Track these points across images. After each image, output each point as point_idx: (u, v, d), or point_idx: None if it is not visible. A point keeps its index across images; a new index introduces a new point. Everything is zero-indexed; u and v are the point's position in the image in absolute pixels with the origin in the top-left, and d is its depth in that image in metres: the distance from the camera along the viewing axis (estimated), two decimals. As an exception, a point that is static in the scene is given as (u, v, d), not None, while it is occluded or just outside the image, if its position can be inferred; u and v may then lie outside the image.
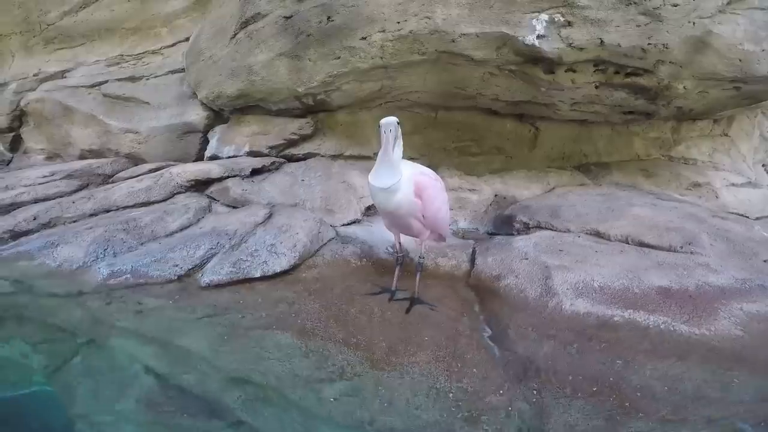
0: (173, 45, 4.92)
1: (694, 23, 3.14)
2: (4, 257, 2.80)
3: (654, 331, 2.13)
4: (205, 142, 4.41)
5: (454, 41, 3.13)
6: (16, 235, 3.01)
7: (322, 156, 3.97)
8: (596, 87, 3.48)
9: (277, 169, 3.82)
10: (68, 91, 4.98)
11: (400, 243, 2.50)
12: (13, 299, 2.43)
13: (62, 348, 2.03)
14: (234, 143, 4.06)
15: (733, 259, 2.81)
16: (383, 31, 3.16)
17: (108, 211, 3.22)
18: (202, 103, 4.37)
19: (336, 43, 3.30)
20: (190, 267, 2.53)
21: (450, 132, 4.12)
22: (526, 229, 3.38)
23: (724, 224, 3.24)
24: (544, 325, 2.23)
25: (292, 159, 3.97)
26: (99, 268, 2.54)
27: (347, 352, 1.94)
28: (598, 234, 3.15)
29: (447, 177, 3.88)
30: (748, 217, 3.96)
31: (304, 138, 3.98)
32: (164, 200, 3.35)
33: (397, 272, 2.47)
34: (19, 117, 5.31)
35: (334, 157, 3.98)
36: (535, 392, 1.76)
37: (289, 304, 2.32)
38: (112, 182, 3.92)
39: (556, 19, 3.08)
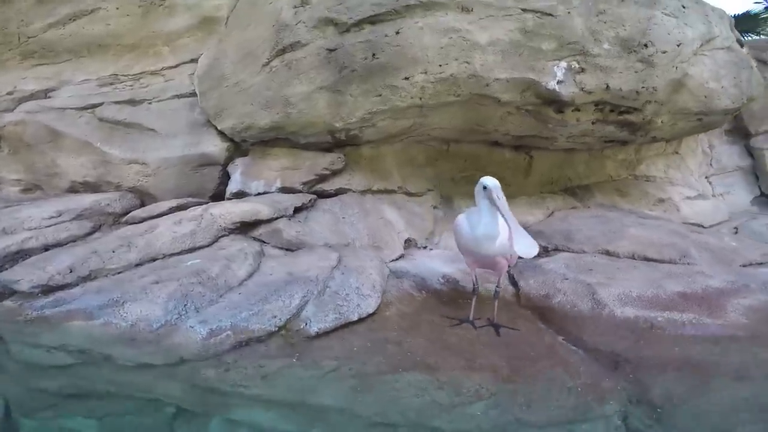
0: (176, 66, 4.56)
1: (676, 67, 3.76)
2: (45, 317, 2.39)
3: (689, 325, 2.70)
4: (225, 175, 4.16)
5: (488, 85, 3.45)
6: (49, 289, 2.63)
7: (354, 191, 3.93)
8: (593, 123, 3.98)
9: (312, 206, 3.71)
10: (55, 113, 4.43)
11: (476, 276, 2.80)
12: (89, 371, 2.17)
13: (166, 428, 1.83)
14: (263, 178, 3.88)
15: (718, 266, 3.45)
16: (425, 72, 3.36)
17: (154, 259, 2.98)
18: (221, 133, 4.11)
19: (379, 81, 3.40)
20: (288, 317, 2.44)
21: (458, 163, 4.39)
22: (546, 252, 3.78)
23: (701, 238, 3.90)
24: (607, 329, 2.67)
25: (322, 194, 3.88)
26: (192, 326, 2.31)
27: (475, 376, 2.17)
28: (608, 253, 3.65)
29: (464, 207, 4.06)
30: (703, 226, 4.68)
31: (335, 173, 3.93)
32: (209, 245, 3.16)
33: (474, 302, 2.75)
34: (-9, 141, 4.64)
35: (363, 192, 3.97)
36: (631, 376, 2.24)
37: (397, 344, 2.38)
38: (126, 222, 3.62)
39: (572, 66, 3.53)
